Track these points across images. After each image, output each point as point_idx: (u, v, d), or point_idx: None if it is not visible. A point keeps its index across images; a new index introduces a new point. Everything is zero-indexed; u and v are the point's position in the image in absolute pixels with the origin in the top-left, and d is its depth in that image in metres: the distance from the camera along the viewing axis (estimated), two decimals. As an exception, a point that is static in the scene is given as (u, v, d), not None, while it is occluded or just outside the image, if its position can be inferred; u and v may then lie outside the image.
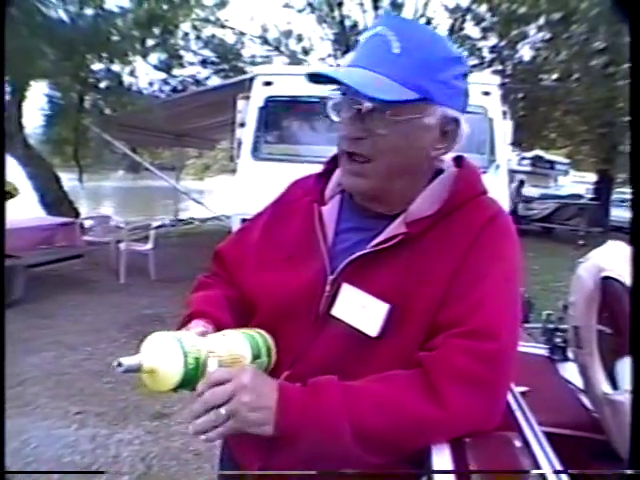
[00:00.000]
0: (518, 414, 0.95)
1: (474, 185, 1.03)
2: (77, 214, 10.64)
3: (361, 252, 0.96)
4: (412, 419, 0.84)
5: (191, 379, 0.85)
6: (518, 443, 0.82)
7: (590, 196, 17.33)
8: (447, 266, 0.92)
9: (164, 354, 0.85)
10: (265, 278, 1.07)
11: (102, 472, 2.50)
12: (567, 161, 19.83)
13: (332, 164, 1.11)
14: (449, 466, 0.77)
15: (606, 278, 1.43)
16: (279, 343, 1.01)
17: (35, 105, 11.52)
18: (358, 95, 0.89)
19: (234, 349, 0.94)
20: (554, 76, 13.94)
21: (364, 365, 0.92)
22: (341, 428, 0.82)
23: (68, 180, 12.25)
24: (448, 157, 1.05)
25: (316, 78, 0.93)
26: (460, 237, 0.94)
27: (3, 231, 1.78)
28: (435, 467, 0.78)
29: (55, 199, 10.83)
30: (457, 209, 0.97)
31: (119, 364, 0.82)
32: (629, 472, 0.68)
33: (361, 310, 0.94)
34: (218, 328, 1.01)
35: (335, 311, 0.97)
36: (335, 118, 0.98)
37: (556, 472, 0.75)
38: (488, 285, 0.91)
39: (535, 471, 0.73)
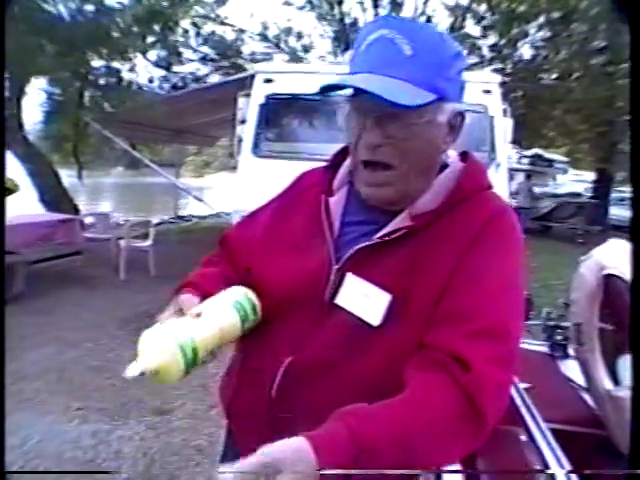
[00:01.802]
0: (523, 410, 0.96)
1: (479, 179, 1.04)
2: (77, 211, 10.62)
3: (366, 243, 0.97)
4: (458, 442, 0.82)
5: (190, 366, 0.90)
6: (523, 437, 0.83)
7: (589, 194, 17.33)
8: (450, 258, 0.93)
9: (163, 355, 0.88)
10: (271, 266, 1.07)
11: (104, 472, 2.50)
12: (566, 159, 19.82)
13: (340, 156, 1.12)
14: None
15: (608, 276, 1.44)
16: (283, 330, 1.02)
17: (35, 102, 11.49)
18: (378, 102, 0.87)
19: (225, 323, 0.97)
20: (554, 75, 13.94)
21: (366, 353, 0.94)
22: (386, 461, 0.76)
23: (67, 177, 12.22)
24: (453, 153, 1.06)
25: (331, 88, 0.92)
26: (464, 230, 0.94)
27: (3, 229, 1.78)
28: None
29: (55, 196, 10.80)
30: (462, 203, 0.98)
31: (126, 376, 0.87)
32: (629, 472, 0.69)
33: (364, 299, 0.95)
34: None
35: (339, 300, 0.98)
36: (345, 125, 0.98)
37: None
38: (493, 280, 0.91)
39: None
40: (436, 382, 0.84)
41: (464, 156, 1.07)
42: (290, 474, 0.68)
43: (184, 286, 1.06)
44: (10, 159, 10.65)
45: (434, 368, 0.85)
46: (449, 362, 0.84)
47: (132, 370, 0.86)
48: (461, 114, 0.97)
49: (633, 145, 0.83)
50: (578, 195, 17.13)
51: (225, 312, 0.99)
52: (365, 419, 0.79)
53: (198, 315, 0.96)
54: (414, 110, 0.88)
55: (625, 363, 1.38)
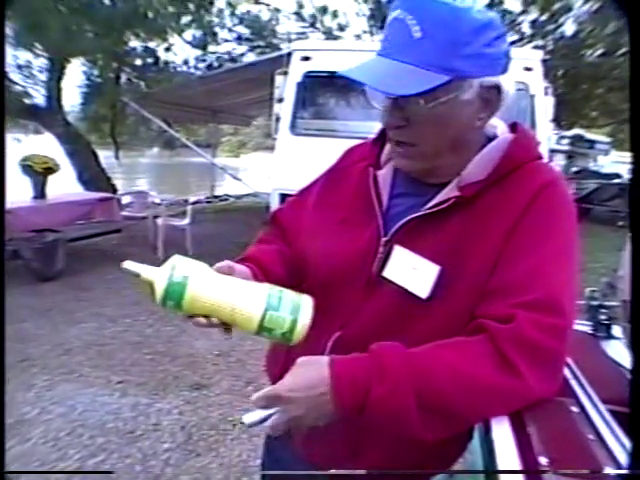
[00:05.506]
0: (573, 382, 0.94)
1: (528, 150, 1.00)
2: (114, 190, 10.77)
3: (414, 215, 0.96)
4: (486, 389, 0.81)
5: (176, 294, 0.88)
6: (575, 409, 0.82)
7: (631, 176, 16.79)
8: (500, 229, 0.90)
9: (159, 269, 0.91)
10: (319, 240, 1.08)
11: (110, 472, 2.54)
12: (608, 140, 19.23)
13: None
14: (509, 434, 0.77)
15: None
16: (332, 305, 1.02)
17: (74, 83, 11.66)
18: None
19: (237, 302, 0.89)
20: (599, 51, 13.45)
21: (414, 326, 0.93)
22: (406, 399, 0.80)
23: (105, 158, 12.41)
24: (503, 125, 1.03)
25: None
26: (514, 201, 0.92)
27: (3, 223, 1.82)
28: (495, 436, 0.77)
29: (93, 175, 10.99)
30: (511, 173, 0.95)
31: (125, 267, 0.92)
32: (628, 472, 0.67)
33: (412, 272, 0.94)
34: (265, 275, 1.03)
35: (387, 273, 0.97)
36: (377, 106, 0.97)
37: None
38: (546, 252, 0.89)
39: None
40: (473, 338, 0.85)
41: (514, 127, 1.04)
42: (301, 368, 0.84)
43: (242, 260, 1.07)
44: (50, 139, 10.90)
45: (477, 332, 0.85)
46: (492, 323, 0.84)
47: (128, 265, 0.91)
48: (496, 87, 0.92)
49: (633, 148, 0.80)
50: (619, 177, 16.65)
51: (251, 296, 0.90)
52: (387, 345, 0.85)
53: (222, 272, 0.93)
54: (426, 92, 0.85)
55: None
